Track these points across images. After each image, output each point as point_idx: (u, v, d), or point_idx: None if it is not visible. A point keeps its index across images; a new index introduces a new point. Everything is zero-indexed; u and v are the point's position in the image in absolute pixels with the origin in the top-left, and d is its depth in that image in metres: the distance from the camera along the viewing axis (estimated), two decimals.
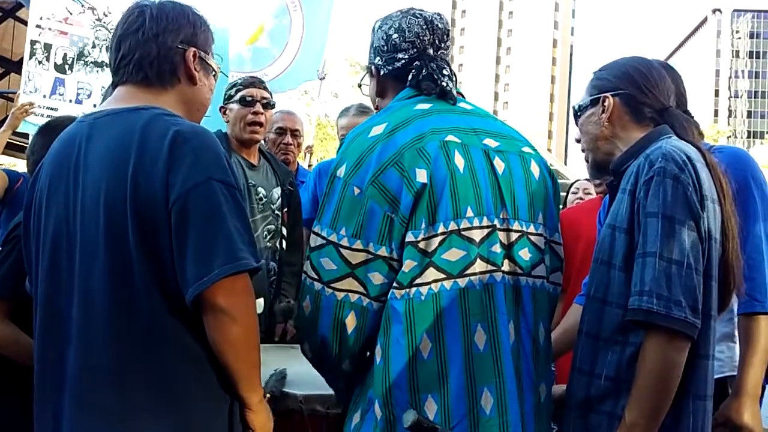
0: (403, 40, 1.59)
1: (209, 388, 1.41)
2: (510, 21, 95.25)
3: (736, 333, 1.96)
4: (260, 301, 2.16)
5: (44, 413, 1.45)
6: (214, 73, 1.62)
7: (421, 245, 1.40)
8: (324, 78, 5.96)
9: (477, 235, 1.45)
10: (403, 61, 1.60)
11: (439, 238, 1.41)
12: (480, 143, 1.52)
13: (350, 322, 1.42)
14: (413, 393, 1.40)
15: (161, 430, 1.35)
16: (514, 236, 1.51)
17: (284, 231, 2.77)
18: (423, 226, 1.40)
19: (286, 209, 2.78)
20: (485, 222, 1.46)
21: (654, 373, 1.39)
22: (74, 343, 1.39)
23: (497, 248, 1.47)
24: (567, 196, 4.50)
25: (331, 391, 1.79)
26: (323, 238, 1.44)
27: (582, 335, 1.57)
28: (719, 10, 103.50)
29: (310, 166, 5.64)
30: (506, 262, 1.49)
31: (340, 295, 1.42)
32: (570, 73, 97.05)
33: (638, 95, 1.65)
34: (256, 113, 2.70)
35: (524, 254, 1.52)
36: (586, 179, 4.35)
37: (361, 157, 1.45)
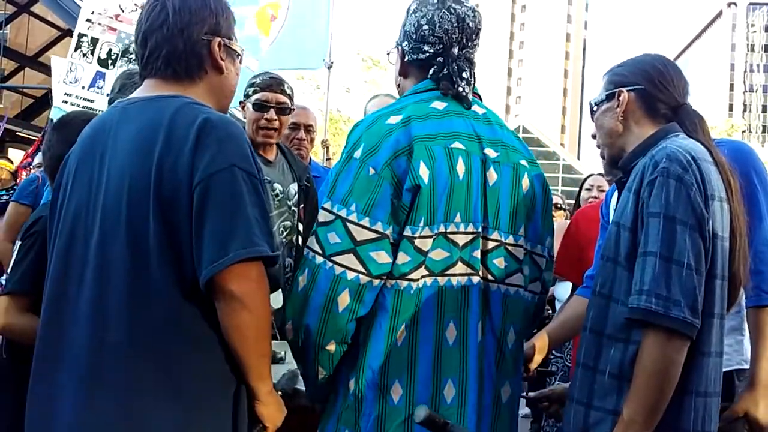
0: (431, 34, 1.63)
1: (217, 376, 1.41)
2: (523, 15, 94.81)
3: (744, 326, 1.96)
4: (278, 296, 2.16)
5: (42, 390, 1.46)
6: (239, 55, 1.64)
7: (417, 243, 1.48)
8: (331, 67, 5.91)
9: (461, 239, 1.54)
10: (427, 54, 1.65)
11: (432, 239, 1.49)
12: (480, 152, 1.59)
13: (342, 300, 1.45)
14: (383, 375, 1.49)
15: (166, 413, 1.36)
16: (490, 245, 1.59)
17: (300, 227, 2.75)
18: (421, 224, 1.48)
19: (302, 205, 2.77)
20: (470, 228, 1.55)
21: (652, 371, 1.40)
22: (86, 323, 1.40)
23: (477, 254, 1.57)
24: (580, 192, 4.43)
25: None
26: (333, 213, 1.48)
27: (586, 331, 1.58)
28: (734, 4, 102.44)
29: (328, 160, 5.60)
30: (481, 268, 1.58)
31: (339, 270, 1.45)
32: (583, 67, 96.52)
33: (653, 91, 1.66)
34: (269, 120, 2.67)
35: (499, 263, 1.61)
36: (599, 174, 4.27)
37: (379, 141, 1.51)
